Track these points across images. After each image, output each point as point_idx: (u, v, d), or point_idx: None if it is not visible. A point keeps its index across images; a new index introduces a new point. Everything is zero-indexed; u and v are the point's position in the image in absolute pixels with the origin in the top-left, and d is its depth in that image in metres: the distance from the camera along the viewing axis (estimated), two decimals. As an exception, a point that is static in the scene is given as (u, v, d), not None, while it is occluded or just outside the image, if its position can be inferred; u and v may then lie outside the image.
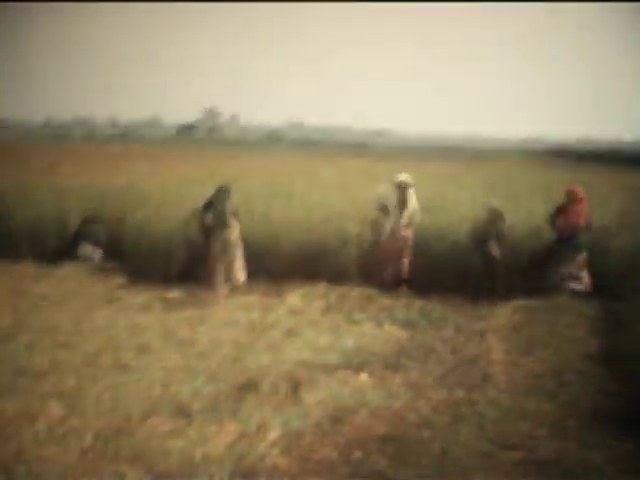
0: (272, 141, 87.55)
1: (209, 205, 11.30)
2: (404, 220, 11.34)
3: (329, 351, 8.33)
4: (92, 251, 13.01)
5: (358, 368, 7.74)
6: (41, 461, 5.31)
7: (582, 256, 10.61)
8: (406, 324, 9.62)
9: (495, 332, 9.27)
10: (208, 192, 12.10)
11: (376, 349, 8.49)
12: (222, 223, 11.15)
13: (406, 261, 11.39)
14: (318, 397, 6.84)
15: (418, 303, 10.62)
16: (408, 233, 11.36)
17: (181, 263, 12.11)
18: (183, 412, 6.39)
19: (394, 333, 9.21)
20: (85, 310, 9.81)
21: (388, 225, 11.53)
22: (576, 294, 10.41)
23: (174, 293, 11.03)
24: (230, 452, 5.59)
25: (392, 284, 11.28)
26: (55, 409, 6.33)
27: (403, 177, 11.59)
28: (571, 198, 10.85)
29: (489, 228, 11.22)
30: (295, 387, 7.05)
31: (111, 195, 15.03)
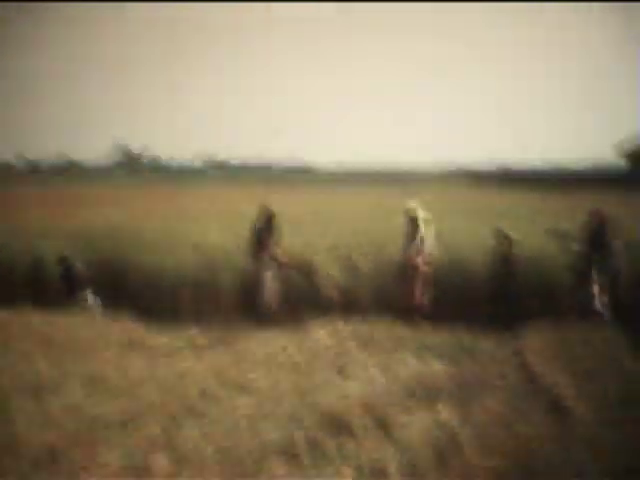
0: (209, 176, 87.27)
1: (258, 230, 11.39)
2: (412, 250, 11.23)
3: (388, 387, 8.18)
4: (92, 296, 12.62)
5: (428, 402, 7.58)
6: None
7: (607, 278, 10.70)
8: (442, 355, 9.48)
9: (537, 357, 9.22)
10: (199, 231, 11.97)
11: (431, 382, 8.38)
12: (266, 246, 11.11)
13: (418, 290, 11.27)
14: (411, 433, 6.71)
15: (443, 333, 10.50)
16: (418, 262, 11.26)
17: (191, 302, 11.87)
18: (290, 456, 6.18)
19: (437, 366, 9.07)
20: (119, 357, 9.50)
21: (399, 254, 11.49)
22: (598, 316, 10.50)
23: (194, 334, 10.76)
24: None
25: (406, 313, 11.17)
26: (163, 462, 6.06)
27: (412, 207, 11.56)
28: (600, 218, 10.80)
29: (499, 252, 11.27)
30: (383, 424, 6.93)
31: (98, 237, 14.71)
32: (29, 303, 12.59)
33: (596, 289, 10.57)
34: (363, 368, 8.90)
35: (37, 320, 11.42)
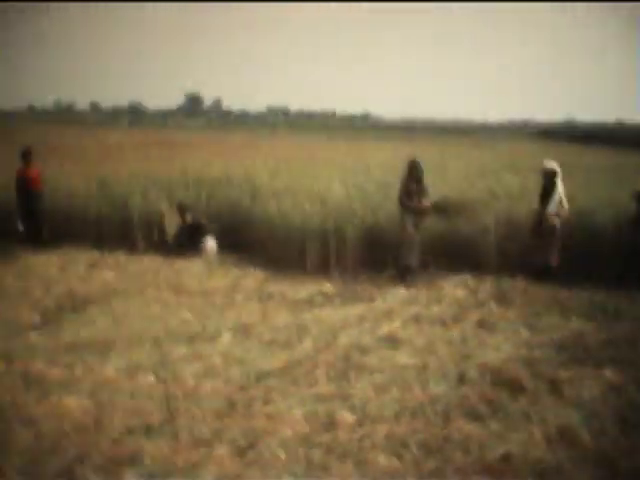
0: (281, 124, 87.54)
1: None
2: (551, 208, 11.05)
3: (542, 347, 8.07)
4: (213, 244, 12.69)
5: (593, 364, 7.45)
6: None
7: None
8: (587, 316, 9.29)
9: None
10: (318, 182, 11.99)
11: (586, 343, 8.21)
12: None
13: (554, 249, 11.09)
14: (588, 395, 6.63)
15: (581, 293, 10.35)
16: (555, 221, 11.06)
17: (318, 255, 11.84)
18: (473, 415, 6.16)
19: (585, 326, 8.86)
20: (262, 308, 9.55)
21: (531, 212, 11.34)
22: None
23: (327, 287, 10.68)
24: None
25: (541, 273, 11.01)
26: (346, 414, 6.11)
27: (551, 165, 11.34)
28: None
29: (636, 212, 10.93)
30: (555, 385, 6.87)
31: (207, 184, 14.76)
32: (151, 249, 12.77)
33: None
34: (510, 327, 8.78)
35: (166, 268, 11.51)
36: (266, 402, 6.39)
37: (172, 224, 12.93)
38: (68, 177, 15.15)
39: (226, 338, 8.17)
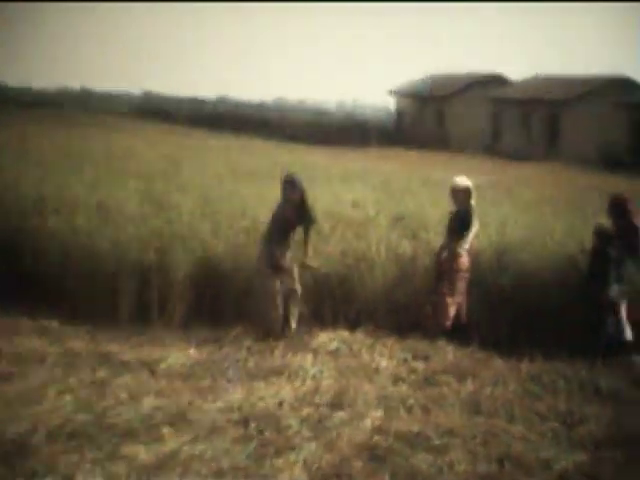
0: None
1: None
2: (467, 243, 8.98)
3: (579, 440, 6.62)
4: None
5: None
6: None
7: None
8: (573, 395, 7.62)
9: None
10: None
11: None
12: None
13: (462, 298, 9.02)
14: None
15: (546, 367, 8.39)
16: (465, 261, 9.02)
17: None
18: None
19: (586, 410, 7.23)
20: (135, 383, 7.18)
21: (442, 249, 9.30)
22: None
23: (190, 353, 8.12)
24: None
25: (456, 332, 8.94)
26: None
27: (463, 181, 9.26)
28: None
29: (600, 258, 8.90)
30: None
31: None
32: None
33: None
34: (510, 411, 7.04)
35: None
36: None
37: None
38: None
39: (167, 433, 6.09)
